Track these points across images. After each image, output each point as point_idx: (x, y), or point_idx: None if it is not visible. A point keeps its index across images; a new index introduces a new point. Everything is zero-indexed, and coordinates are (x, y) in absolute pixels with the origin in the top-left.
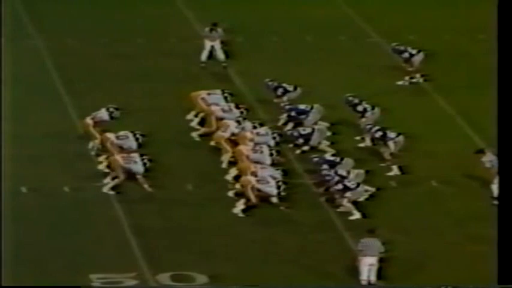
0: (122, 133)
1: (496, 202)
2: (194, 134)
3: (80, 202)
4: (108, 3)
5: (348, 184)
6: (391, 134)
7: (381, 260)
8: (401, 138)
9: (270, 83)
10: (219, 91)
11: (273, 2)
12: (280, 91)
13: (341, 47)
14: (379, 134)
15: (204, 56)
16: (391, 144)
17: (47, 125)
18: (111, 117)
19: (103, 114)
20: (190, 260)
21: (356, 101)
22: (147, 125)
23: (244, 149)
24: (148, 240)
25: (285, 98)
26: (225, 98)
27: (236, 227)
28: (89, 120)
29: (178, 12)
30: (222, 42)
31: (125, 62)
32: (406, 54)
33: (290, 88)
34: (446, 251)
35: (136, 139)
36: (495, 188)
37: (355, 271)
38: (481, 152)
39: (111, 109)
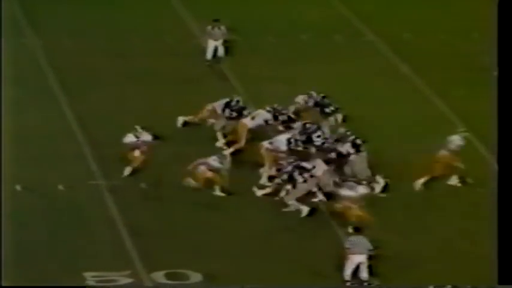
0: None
1: (495, 203)
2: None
3: (75, 201)
4: (105, 3)
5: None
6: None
7: (370, 258)
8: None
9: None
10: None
11: (268, 2)
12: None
13: (337, 46)
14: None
15: (209, 54)
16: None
17: (42, 124)
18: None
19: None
20: (184, 258)
21: (326, 101)
22: (146, 126)
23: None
24: (142, 238)
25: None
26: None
27: (231, 225)
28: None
29: (175, 12)
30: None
31: (122, 62)
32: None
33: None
34: (447, 251)
35: None
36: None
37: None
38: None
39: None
